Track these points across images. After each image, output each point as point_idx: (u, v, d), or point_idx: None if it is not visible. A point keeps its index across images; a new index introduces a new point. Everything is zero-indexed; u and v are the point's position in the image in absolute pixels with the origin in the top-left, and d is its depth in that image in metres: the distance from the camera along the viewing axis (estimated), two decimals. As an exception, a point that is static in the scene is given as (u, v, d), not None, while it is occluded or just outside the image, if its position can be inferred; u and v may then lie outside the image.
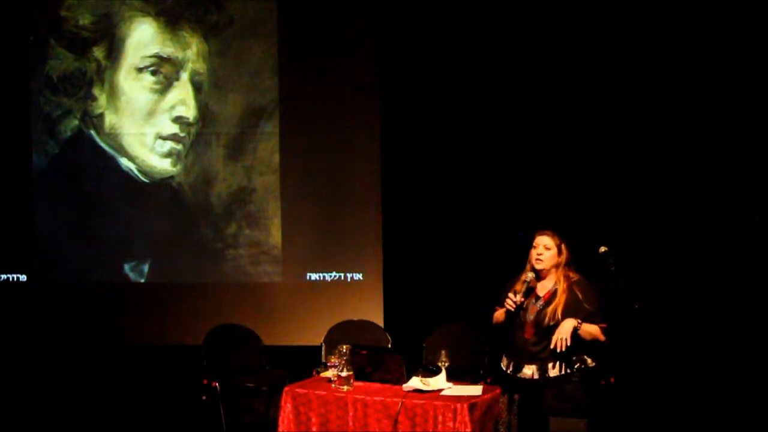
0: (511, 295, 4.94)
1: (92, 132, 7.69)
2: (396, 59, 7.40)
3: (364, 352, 5.54)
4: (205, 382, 6.37)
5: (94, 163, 7.69)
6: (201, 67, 7.63)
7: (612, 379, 6.09)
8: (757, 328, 6.71)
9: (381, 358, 5.51)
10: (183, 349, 7.17)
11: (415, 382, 5.34)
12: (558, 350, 4.77)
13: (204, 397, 6.38)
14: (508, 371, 4.99)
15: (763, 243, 6.77)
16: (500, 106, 7.22)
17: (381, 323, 7.17)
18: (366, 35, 7.48)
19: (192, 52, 7.62)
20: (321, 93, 7.53)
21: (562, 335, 4.76)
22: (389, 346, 6.55)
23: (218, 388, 6.32)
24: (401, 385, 5.35)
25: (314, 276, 7.59)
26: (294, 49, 7.56)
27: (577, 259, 5.14)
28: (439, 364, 5.42)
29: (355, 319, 6.88)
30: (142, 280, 7.70)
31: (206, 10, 7.60)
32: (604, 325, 4.91)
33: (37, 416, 7.05)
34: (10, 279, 7.70)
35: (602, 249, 5.21)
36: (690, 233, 6.90)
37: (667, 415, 6.53)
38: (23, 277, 7.70)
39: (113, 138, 7.68)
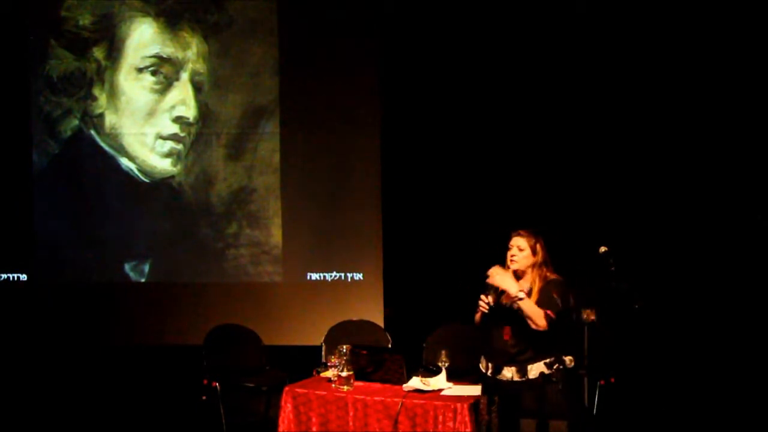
0: (483, 297, 4.95)
1: (92, 132, 7.69)
2: (396, 59, 7.40)
3: (365, 352, 5.55)
4: (205, 382, 6.37)
5: (94, 163, 7.69)
6: (201, 67, 7.63)
7: (612, 379, 6.10)
8: (757, 329, 6.71)
9: (381, 358, 5.52)
10: (183, 349, 7.17)
11: (415, 382, 5.35)
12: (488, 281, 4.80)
13: (204, 397, 6.38)
14: (488, 373, 4.99)
15: (764, 243, 6.77)
16: (500, 105, 7.22)
17: (381, 323, 7.17)
18: (366, 35, 7.48)
19: (192, 52, 7.62)
20: (321, 93, 7.53)
21: (500, 283, 4.79)
22: (389, 346, 6.55)
23: (218, 388, 6.32)
24: (401, 385, 5.36)
25: (314, 276, 7.59)
26: (294, 49, 7.56)
27: (576, 259, 5.14)
28: (439, 364, 5.43)
29: (355, 319, 6.89)
30: (143, 280, 7.70)
31: (206, 10, 7.60)
32: (549, 312, 4.83)
33: (37, 416, 7.06)
34: (10, 279, 7.70)
35: (602, 249, 5.21)
36: (691, 233, 6.90)
37: (667, 415, 6.54)
38: (23, 277, 7.70)
39: (113, 138, 7.68)
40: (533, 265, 4.95)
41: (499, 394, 4.89)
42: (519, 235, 5.00)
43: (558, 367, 4.84)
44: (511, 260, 4.96)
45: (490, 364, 4.99)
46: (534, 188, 7.16)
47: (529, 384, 4.83)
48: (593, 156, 7.06)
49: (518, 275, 4.98)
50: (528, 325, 4.83)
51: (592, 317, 5.30)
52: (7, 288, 7.68)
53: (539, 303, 4.85)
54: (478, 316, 5.01)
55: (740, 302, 6.76)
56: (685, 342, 6.79)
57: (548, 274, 4.95)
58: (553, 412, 4.80)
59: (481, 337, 5.12)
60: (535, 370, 4.83)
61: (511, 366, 4.87)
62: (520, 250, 4.96)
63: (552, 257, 6.78)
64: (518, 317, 4.89)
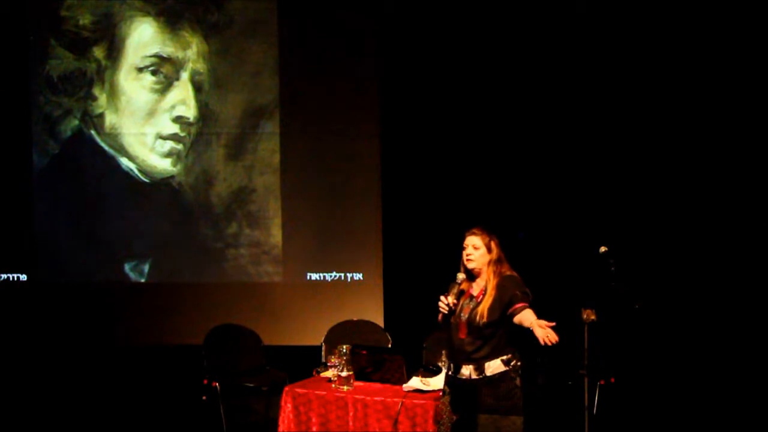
0: (443, 297, 4.96)
1: (92, 132, 7.69)
2: (396, 59, 7.40)
3: (365, 352, 5.55)
4: (205, 382, 6.37)
5: (94, 163, 7.69)
6: (201, 66, 7.63)
7: (612, 379, 6.10)
8: (756, 328, 6.71)
9: (381, 358, 5.52)
10: (183, 349, 7.17)
11: (415, 382, 5.35)
12: (551, 344, 4.66)
13: (204, 397, 6.38)
14: (449, 372, 5.00)
15: (763, 242, 6.78)
16: (501, 106, 7.22)
17: (381, 323, 7.18)
18: (366, 35, 7.48)
19: (192, 51, 7.62)
20: (321, 93, 7.54)
21: (547, 334, 4.64)
22: (389, 346, 6.55)
23: (218, 388, 6.32)
24: (401, 385, 5.36)
25: (314, 276, 7.59)
26: (294, 49, 7.56)
27: (576, 259, 5.14)
28: (440, 364, 5.43)
29: (355, 319, 6.89)
30: (143, 280, 7.70)
31: (206, 10, 7.60)
32: (525, 304, 4.80)
33: (37, 416, 7.06)
34: (10, 279, 7.70)
35: (602, 249, 5.21)
36: (690, 233, 6.90)
37: (667, 415, 6.54)
38: (23, 277, 7.70)
39: (113, 138, 7.68)
40: (488, 263, 4.97)
41: (459, 393, 4.90)
42: (473, 233, 5.02)
43: (515, 364, 4.85)
44: (468, 259, 4.98)
45: (450, 364, 5.02)
46: (534, 189, 7.15)
47: (486, 381, 4.84)
48: (594, 156, 7.06)
49: (475, 274, 4.99)
50: (481, 324, 4.83)
51: (593, 317, 5.31)
52: (7, 288, 7.68)
53: (496, 299, 4.85)
54: (440, 317, 5.04)
55: (740, 302, 6.76)
56: (684, 342, 6.79)
57: (503, 270, 4.96)
58: (510, 408, 4.81)
59: (445, 338, 5.13)
60: (493, 367, 4.84)
61: (468, 364, 4.89)
62: (476, 248, 4.97)
63: (553, 258, 6.81)
64: (473, 316, 4.90)
